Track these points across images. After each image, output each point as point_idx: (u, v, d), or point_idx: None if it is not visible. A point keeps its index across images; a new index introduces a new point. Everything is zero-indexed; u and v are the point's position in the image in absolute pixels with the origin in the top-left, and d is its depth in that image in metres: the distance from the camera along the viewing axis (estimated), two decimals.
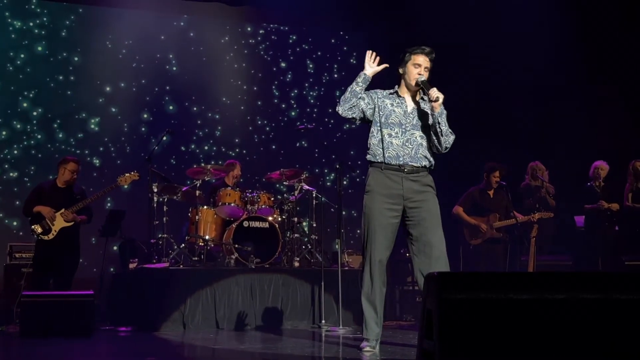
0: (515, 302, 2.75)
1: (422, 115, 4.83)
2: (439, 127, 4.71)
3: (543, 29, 9.06)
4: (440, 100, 4.66)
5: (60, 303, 6.31)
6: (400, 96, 4.88)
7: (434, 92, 4.66)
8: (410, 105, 4.86)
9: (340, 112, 4.85)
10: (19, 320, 6.59)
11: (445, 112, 4.79)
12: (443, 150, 4.81)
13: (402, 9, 9.77)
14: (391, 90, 4.93)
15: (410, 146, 4.76)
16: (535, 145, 9.12)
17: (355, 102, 4.81)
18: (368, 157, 4.87)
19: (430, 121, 4.76)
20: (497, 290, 2.78)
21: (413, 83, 4.80)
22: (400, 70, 4.89)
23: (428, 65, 4.83)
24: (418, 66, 4.80)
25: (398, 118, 4.80)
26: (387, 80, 5.03)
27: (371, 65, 4.89)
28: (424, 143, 4.80)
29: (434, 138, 4.77)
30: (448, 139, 4.78)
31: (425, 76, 4.79)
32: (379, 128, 4.82)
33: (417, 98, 4.89)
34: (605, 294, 2.81)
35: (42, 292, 6.58)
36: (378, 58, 4.92)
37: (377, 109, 4.84)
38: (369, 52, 4.93)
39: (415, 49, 4.84)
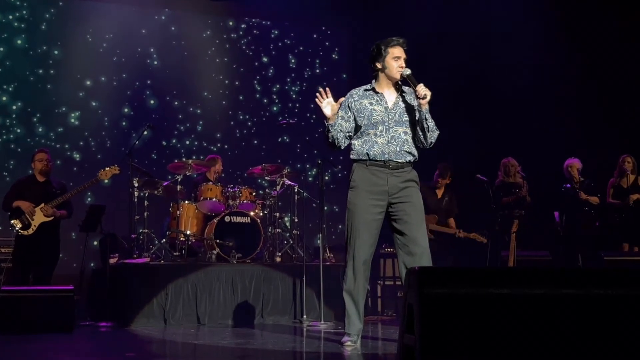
0: (495, 297, 2.77)
1: (403, 110, 4.76)
2: (426, 124, 4.66)
3: (528, 27, 9.09)
4: (428, 97, 4.59)
5: (39, 298, 6.27)
6: (378, 92, 4.80)
7: (422, 89, 4.58)
8: (390, 101, 4.78)
9: (334, 150, 4.87)
10: None
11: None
12: (428, 145, 4.77)
13: (384, 4, 9.78)
14: (367, 87, 4.85)
15: (395, 143, 4.70)
16: (518, 141, 9.13)
17: (336, 136, 4.73)
18: (352, 156, 4.81)
19: (417, 117, 4.69)
20: (478, 285, 2.79)
21: (397, 77, 4.73)
22: (379, 65, 4.78)
23: (405, 56, 4.77)
24: (398, 58, 4.73)
25: (380, 116, 4.73)
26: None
27: (329, 106, 4.68)
28: (409, 139, 4.75)
29: (420, 134, 4.71)
30: (433, 134, 4.74)
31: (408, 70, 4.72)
32: (363, 129, 4.76)
33: (397, 93, 4.81)
34: (584, 290, 2.84)
35: (21, 287, 6.54)
36: (328, 90, 4.73)
37: (356, 114, 4.77)
38: (318, 94, 4.72)
39: (391, 42, 4.75)
